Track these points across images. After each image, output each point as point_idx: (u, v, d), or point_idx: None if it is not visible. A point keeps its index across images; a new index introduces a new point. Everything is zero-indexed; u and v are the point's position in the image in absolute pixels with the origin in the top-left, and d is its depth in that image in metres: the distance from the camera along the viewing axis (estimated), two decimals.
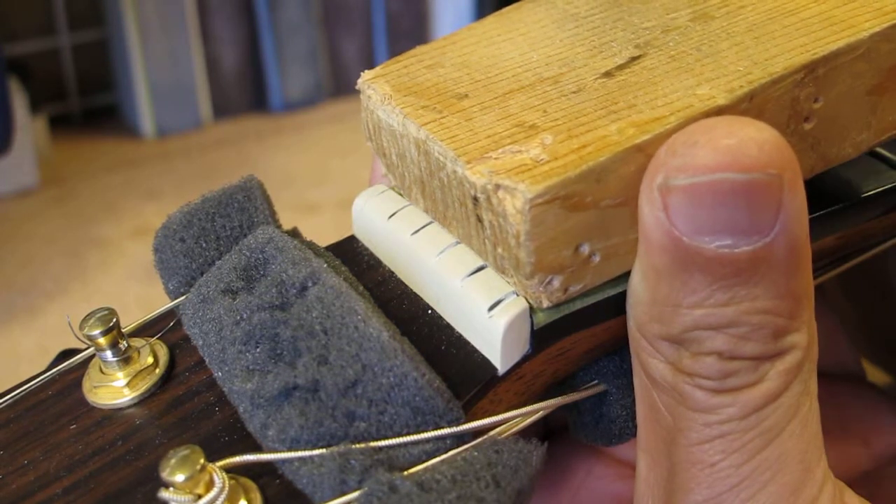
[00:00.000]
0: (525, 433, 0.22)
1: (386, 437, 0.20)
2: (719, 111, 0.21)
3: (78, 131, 0.88)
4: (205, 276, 0.24)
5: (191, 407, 0.22)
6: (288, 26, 0.89)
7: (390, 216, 0.25)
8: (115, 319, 0.23)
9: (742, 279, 0.20)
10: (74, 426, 0.22)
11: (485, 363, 0.22)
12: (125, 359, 0.23)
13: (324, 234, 0.28)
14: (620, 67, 0.23)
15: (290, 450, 0.20)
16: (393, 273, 0.25)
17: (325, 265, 0.23)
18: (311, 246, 0.25)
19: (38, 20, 0.85)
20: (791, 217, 0.19)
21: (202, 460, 0.19)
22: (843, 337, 0.34)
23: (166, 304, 0.25)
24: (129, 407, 0.23)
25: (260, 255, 0.24)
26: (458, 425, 0.21)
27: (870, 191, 0.26)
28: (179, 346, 0.24)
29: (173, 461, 0.19)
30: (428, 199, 0.24)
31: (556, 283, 0.21)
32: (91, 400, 0.23)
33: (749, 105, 0.22)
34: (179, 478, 0.19)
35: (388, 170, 0.25)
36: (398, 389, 0.20)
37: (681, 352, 0.21)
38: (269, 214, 0.26)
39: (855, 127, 0.24)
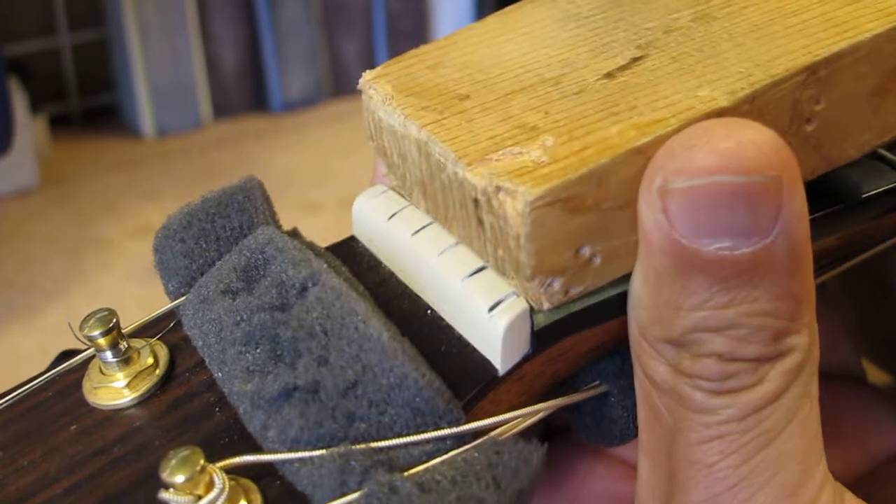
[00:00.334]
0: (526, 434, 0.22)
1: (386, 438, 0.20)
2: (721, 113, 0.21)
3: (78, 131, 0.88)
4: (205, 276, 0.24)
5: (191, 408, 0.22)
6: (288, 26, 0.89)
7: (390, 217, 0.25)
8: (115, 320, 0.23)
9: (742, 281, 0.20)
10: (75, 427, 0.22)
11: (485, 364, 0.22)
12: (125, 359, 0.23)
13: (324, 234, 0.28)
14: (622, 68, 0.23)
15: (290, 451, 0.20)
16: (393, 274, 0.25)
17: (326, 266, 0.23)
18: (311, 246, 0.25)
19: (38, 20, 0.85)
20: (791, 219, 0.19)
21: (202, 461, 0.19)
22: (843, 337, 0.34)
23: (166, 305, 0.25)
24: (129, 408, 0.23)
25: (260, 256, 0.24)
26: (458, 426, 0.21)
27: (870, 191, 0.26)
28: (179, 346, 0.24)
29: (173, 462, 0.19)
30: (429, 201, 0.24)
31: (557, 285, 0.21)
32: (91, 401, 0.23)
33: (750, 107, 0.22)
34: (180, 479, 0.19)
35: (389, 170, 0.25)
36: (398, 390, 0.20)
37: (681, 354, 0.21)
38: (269, 215, 0.26)
39: (857, 128, 0.24)
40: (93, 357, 0.23)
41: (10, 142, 0.66)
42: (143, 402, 0.23)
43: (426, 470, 0.20)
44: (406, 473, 0.20)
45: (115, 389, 0.23)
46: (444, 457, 0.20)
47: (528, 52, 0.24)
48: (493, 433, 0.21)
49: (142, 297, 0.64)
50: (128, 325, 0.24)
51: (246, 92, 0.92)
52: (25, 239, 0.73)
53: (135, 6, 0.83)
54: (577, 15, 0.25)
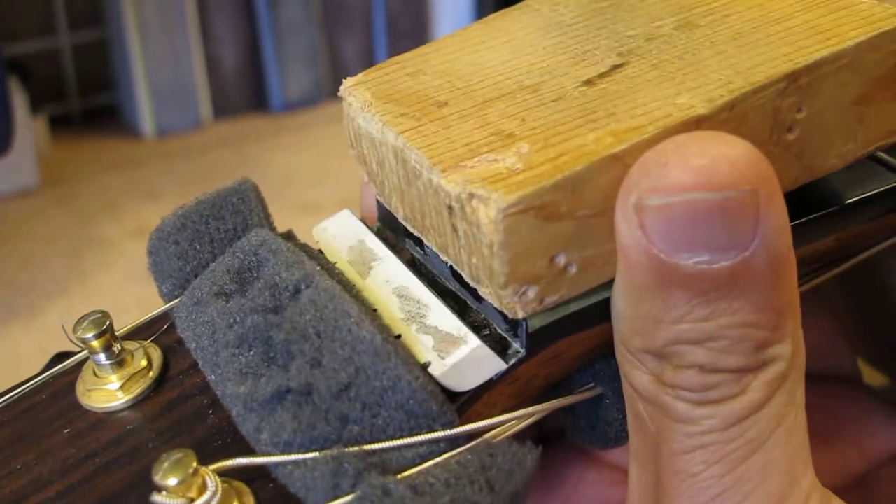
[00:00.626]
0: (520, 436, 0.22)
1: (379, 441, 0.20)
2: (699, 121, 0.21)
3: (78, 131, 0.88)
4: (198, 278, 0.24)
5: (184, 410, 0.22)
6: (288, 26, 0.89)
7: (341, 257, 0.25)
8: (108, 322, 0.23)
9: (722, 294, 0.20)
10: (68, 430, 0.22)
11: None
12: (119, 362, 0.23)
13: None
14: (602, 76, 0.23)
15: (283, 453, 0.20)
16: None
17: (319, 268, 0.23)
18: (305, 248, 0.25)
19: (38, 20, 0.85)
20: (770, 231, 0.19)
21: (195, 464, 0.19)
22: (839, 339, 0.34)
23: (162, 307, 0.25)
24: (122, 410, 0.23)
25: (253, 258, 0.24)
26: (451, 428, 0.21)
27: (867, 192, 0.26)
28: (173, 349, 0.24)
29: (166, 465, 0.19)
30: (407, 208, 0.24)
31: (531, 293, 0.21)
32: (85, 403, 0.23)
33: (729, 114, 0.22)
34: (172, 481, 0.19)
35: (369, 177, 0.25)
36: (391, 392, 0.20)
37: (663, 364, 0.21)
38: (263, 217, 0.26)
39: (840, 137, 0.24)
40: (86, 359, 0.23)
41: (10, 142, 0.66)
42: (136, 404, 0.23)
43: (419, 472, 0.20)
44: (399, 476, 0.20)
45: (108, 392, 0.23)
46: (438, 459, 0.20)
47: (508, 59, 0.24)
48: (486, 436, 0.21)
49: (141, 297, 0.64)
50: (125, 326, 0.24)
51: (246, 92, 0.92)
52: (25, 239, 0.73)
53: (135, 6, 0.83)
54: (559, 23, 0.25)
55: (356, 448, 0.20)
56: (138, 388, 0.23)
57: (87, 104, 0.90)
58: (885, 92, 0.24)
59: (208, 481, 0.19)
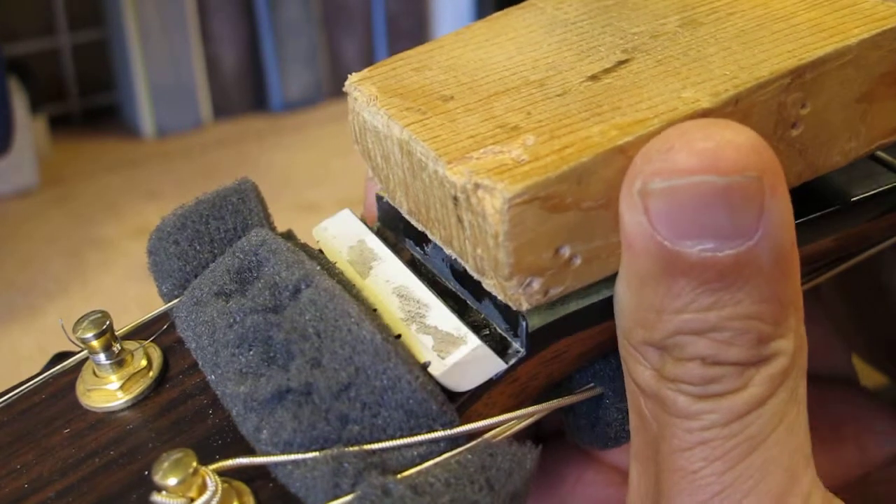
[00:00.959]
0: (520, 436, 0.22)
1: (379, 440, 0.20)
2: (704, 114, 0.21)
3: (78, 131, 0.88)
4: (198, 278, 0.24)
5: (184, 410, 0.22)
6: (288, 26, 0.89)
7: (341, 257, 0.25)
8: (108, 322, 0.23)
9: (726, 284, 0.19)
10: (68, 430, 0.22)
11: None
12: (119, 362, 0.23)
13: None
14: (607, 71, 0.23)
15: (283, 453, 0.20)
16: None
17: (319, 267, 0.23)
18: (304, 248, 0.25)
19: (38, 20, 0.85)
20: (774, 221, 0.19)
21: (195, 464, 0.19)
22: (835, 340, 0.34)
23: (162, 307, 0.25)
24: (122, 410, 0.23)
25: (253, 258, 0.24)
26: (451, 428, 0.21)
27: (867, 192, 0.26)
28: (173, 348, 0.24)
29: (166, 465, 0.19)
30: (411, 201, 0.24)
31: (536, 285, 0.21)
32: (85, 403, 0.23)
33: (734, 109, 0.22)
34: (172, 481, 0.19)
35: (373, 172, 0.25)
36: (391, 392, 0.20)
37: (665, 357, 0.20)
38: (263, 217, 0.26)
39: (844, 134, 0.24)
40: (86, 359, 0.23)
41: (10, 142, 0.66)
42: (136, 404, 0.23)
43: (419, 472, 0.20)
44: (399, 476, 0.20)
45: (108, 392, 0.23)
46: (438, 459, 0.20)
47: (513, 55, 0.24)
48: (486, 435, 0.21)
49: (142, 297, 0.64)
50: (125, 326, 0.24)
51: (246, 92, 0.92)
52: (25, 239, 0.73)
53: (135, 6, 0.83)
54: (564, 21, 0.25)
55: (356, 448, 0.20)
56: (138, 388, 0.23)
57: (87, 104, 0.90)
58: (888, 89, 0.24)
59: (208, 481, 0.19)
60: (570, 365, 0.24)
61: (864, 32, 0.23)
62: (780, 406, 0.20)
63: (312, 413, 0.20)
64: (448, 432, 0.21)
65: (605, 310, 0.23)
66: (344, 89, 0.25)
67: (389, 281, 0.24)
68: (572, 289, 0.22)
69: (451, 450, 0.21)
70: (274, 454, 0.20)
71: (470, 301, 0.24)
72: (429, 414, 0.20)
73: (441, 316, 0.23)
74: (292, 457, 0.20)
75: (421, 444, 0.20)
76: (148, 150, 0.86)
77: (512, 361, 0.22)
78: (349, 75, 0.25)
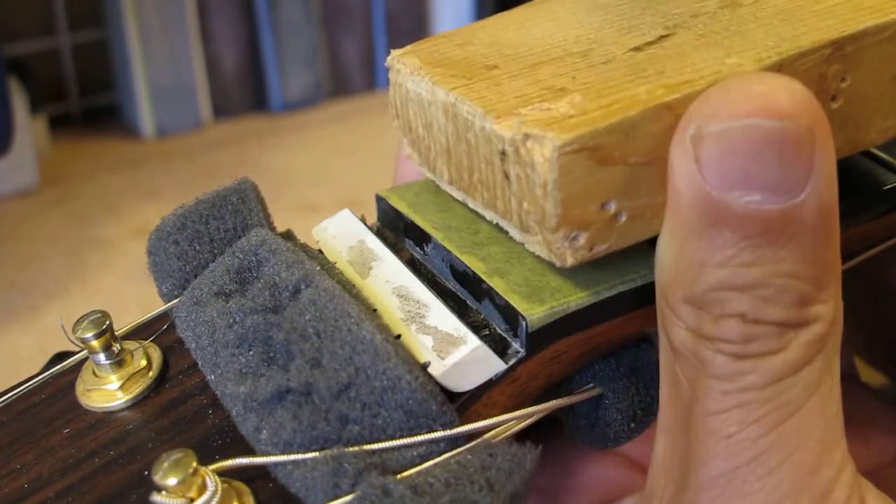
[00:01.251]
0: (520, 436, 0.22)
1: (379, 441, 0.20)
2: None
3: (78, 131, 0.88)
4: (198, 278, 0.24)
5: (184, 410, 0.22)
6: (288, 26, 0.89)
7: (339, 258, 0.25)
8: (107, 322, 0.23)
9: (770, 239, 0.19)
10: (68, 430, 0.22)
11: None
12: (118, 362, 0.23)
13: None
14: (649, 44, 0.23)
15: (283, 453, 0.20)
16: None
17: (319, 268, 0.23)
18: (304, 248, 0.25)
19: (38, 20, 0.85)
20: (822, 180, 0.19)
21: (195, 464, 0.19)
22: None
23: (162, 307, 0.25)
24: (122, 410, 0.23)
25: (253, 258, 0.24)
26: (451, 428, 0.21)
27: (866, 193, 0.26)
28: (173, 348, 0.24)
29: (166, 465, 0.19)
30: (453, 168, 0.24)
31: (582, 239, 0.21)
32: (84, 403, 0.23)
33: None
34: (172, 481, 0.19)
35: (412, 147, 0.25)
36: (391, 392, 0.20)
37: (702, 316, 0.20)
38: (262, 217, 0.25)
39: (882, 111, 0.24)
40: (86, 359, 0.23)
41: (9, 142, 0.65)
42: (136, 404, 0.23)
43: (419, 472, 0.20)
44: (399, 476, 0.20)
45: (108, 392, 0.23)
46: (438, 459, 0.20)
47: (555, 32, 0.25)
48: (486, 436, 0.21)
49: (142, 297, 0.64)
50: (125, 326, 0.24)
51: (246, 92, 0.92)
52: (25, 239, 0.73)
53: (135, 6, 0.83)
54: (605, 4, 0.26)
55: (356, 448, 0.20)
56: (138, 388, 0.23)
57: (87, 104, 0.90)
58: None
59: (208, 481, 0.19)
60: (569, 365, 0.24)
61: None
62: (816, 375, 0.20)
63: (312, 413, 0.20)
64: (448, 432, 0.21)
65: (606, 310, 0.23)
66: (386, 64, 0.25)
67: (389, 281, 0.24)
68: (616, 247, 0.22)
69: (451, 450, 0.21)
70: (274, 454, 0.20)
71: (470, 301, 0.24)
72: (429, 414, 0.20)
73: (441, 316, 0.23)
74: (292, 457, 0.20)
75: (421, 444, 0.20)
76: (148, 150, 0.86)
77: (512, 362, 0.22)
78: (391, 51, 0.25)
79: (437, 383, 0.21)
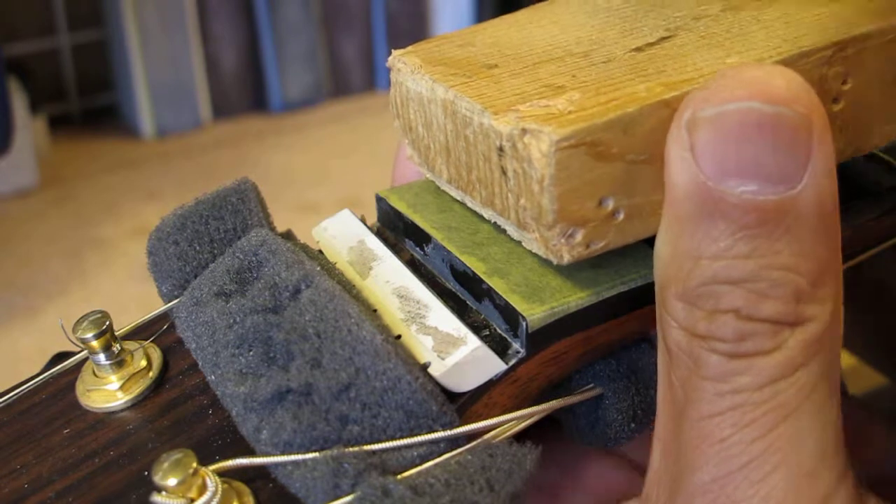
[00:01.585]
0: (520, 436, 0.22)
1: (379, 441, 0.20)
2: None
3: (78, 131, 0.88)
4: (198, 278, 0.24)
5: (184, 410, 0.22)
6: (288, 26, 0.89)
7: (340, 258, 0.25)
8: (107, 322, 0.23)
9: (766, 230, 0.19)
10: (67, 430, 0.22)
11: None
12: (118, 362, 0.23)
13: None
14: (650, 45, 0.23)
15: (283, 453, 0.20)
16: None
17: (319, 268, 0.23)
18: (304, 248, 0.25)
19: (38, 20, 0.85)
20: (820, 170, 0.19)
21: (195, 464, 0.19)
22: None
23: (162, 307, 0.25)
24: (122, 410, 0.23)
25: (253, 258, 0.24)
26: (451, 429, 0.21)
27: (866, 193, 0.26)
28: (173, 349, 0.24)
29: (166, 465, 0.19)
30: (452, 166, 0.24)
31: (579, 236, 0.21)
32: (84, 403, 0.23)
33: None
34: (172, 482, 0.19)
35: (412, 147, 0.25)
36: (391, 393, 0.20)
37: (696, 313, 0.20)
38: (262, 217, 0.25)
39: (883, 115, 0.24)
40: (86, 359, 0.23)
41: (9, 142, 0.66)
42: (136, 404, 0.23)
43: (419, 473, 0.20)
44: (399, 476, 0.20)
45: (108, 392, 0.23)
46: (438, 459, 0.20)
47: (556, 34, 0.25)
48: (486, 436, 0.21)
49: (141, 297, 0.64)
50: (124, 326, 0.24)
51: (245, 92, 0.92)
52: (25, 239, 0.73)
53: (135, 6, 0.83)
54: (607, 8, 0.26)
55: (356, 448, 0.20)
56: (138, 389, 0.23)
57: (86, 104, 0.90)
58: None
59: (208, 481, 0.19)
60: (569, 365, 0.24)
61: None
62: (813, 377, 0.20)
63: (312, 413, 0.20)
64: (448, 433, 0.21)
65: (606, 310, 0.23)
66: (387, 64, 0.25)
67: (389, 281, 0.24)
68: (614, 245, 0.22)
69: (451, 450, 0.21)
70: (274, 455, 0.20)
71: (470, 301, 0.24)
72: (429, 414, 0.20)
73: (441, 316, 0.23)
74: (292, 457, 0.20)
75: (421, 444, 0.20)
76: (147, 150, 0.86)
77: (512, 362, 0.22)
78: (392, 51, 0.25)
79: (437, 384, 0.21)
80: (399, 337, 0.22)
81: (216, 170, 0.82)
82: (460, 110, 0.22)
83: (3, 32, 0.83)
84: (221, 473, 0.20)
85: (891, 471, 0.31)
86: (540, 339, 0.22)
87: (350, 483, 0.19)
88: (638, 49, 0.23)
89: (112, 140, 0.87)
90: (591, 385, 0.25)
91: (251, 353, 0.22)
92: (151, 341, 0.24)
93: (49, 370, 0.24)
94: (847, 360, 0.38)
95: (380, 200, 0.27)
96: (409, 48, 0.25)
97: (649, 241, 0.22)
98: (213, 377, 0.22)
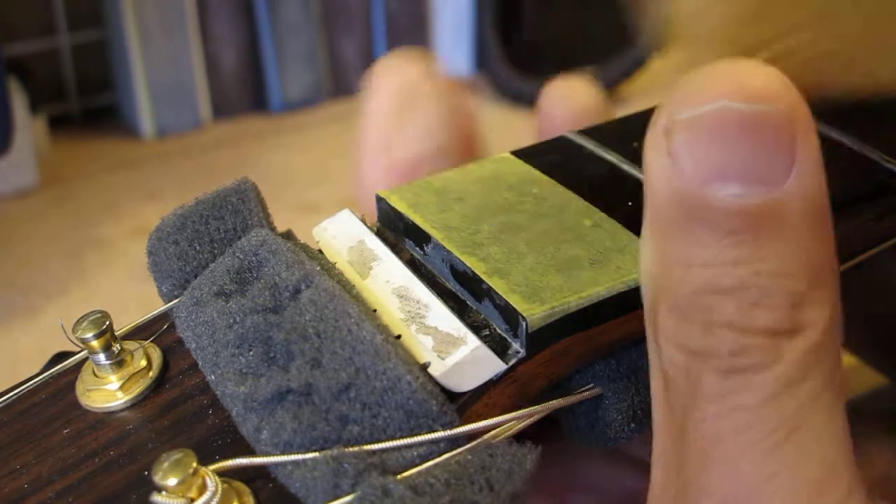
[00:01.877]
0: (520, 436, 0.22)
1: (379, 441, 0.20)
2: None
3: (78, 131, 0.88)
4: (198, 278, 0.24)
5: (184, 410, 0.22)
6: (287, 26, 0.89)
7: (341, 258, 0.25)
8: (107, 322, 0.23)
9: (753, 235, 0.18)
10: (67, 430, 0.22)
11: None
12: (118, 362, 0.23)
13: None
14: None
15: (283, 453, 0.20)
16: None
17: (319, 268, 0.23)
18: (304, 248, 0.25)
19: (38, 20, 0.85)
20: (806, 170, 0.18)
21: (195, 464, 0.19)
22: None
23: (162, 307, 0.25)
24: (122, 410, 0.23)
25: (253, 258, 0.24)
26: (451, 429, 0.21)
27: (866, 193, 0.26)
28: (173, 349, 0.24)
29: (166, 465, 0.19)
30: None
31: None
32: (84, 403, 0.23)
33: None
34: (172, 481, 0.19)
35: None
36: (392, 393, 0.20)
37: (689, 329, 0.19)
38: (262, 217, 0.25)
39: None
40: (86, 359, 0.23)
41: (9, 142, 0.66)
42: (136, 404, 0.23)
43: (419, 473, 0.20)
44: (399, 476, 0.20)
45: (108, 392, 0.23)
46: (438, 459, 0.20)
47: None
48: (487, 436, 0.21)
49: (141, 297, 0.64)
50: (124, 326, 0.24)
51: (245, 92, 0.92)
52: (25, 239, 0.73)
53: (135, 6, 0.83)
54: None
55: (356, 448, 0.20)
56: (138, 388, 0.23)
57: (86, 104, 0.90)
58: None
59: (208, 481, 0.19)
60: (570, 365, 0.24)
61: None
62: (816, 389, 0.19)
63: (312, 413, 0.20)
64: (448, 433, 0.21)
65: (606, 310, 0.23)
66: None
67: (389, 281, 0.24)
68: None
69: (451, 450, 0.21)
70: (274, 454, 0.20)
71: (470, 301, 0.24)
72: (429, 414, 0.20)
73: (441, 316, 0.23)
74: (292, 457, 0.20)
75: (421, 444, 0.20)
76: (147, 150, 0.86)
77: (512, 362, 0.22)
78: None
79: (437, 383, 0.21)
80: (399, 337, 0.22)
81: (216, 170, 0.82)
82: None
83: (3, 32, 0.83)
84: (221, 473, 0.20)
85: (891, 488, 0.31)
86: (540, 339, 0.22)
87: (350, 483, 0.19)
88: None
89: (112, 140, 0.87)
90: (591, 385, 0.25)
91: (251, 352, 0.22)
92: (151, 341, 0.24)
93: (49, 370, 0.24)
94: (847, 360, 0.38)
95: (380, 200, 0.27)
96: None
97: None
98: (213, 377, 0.22)
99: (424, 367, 0.21)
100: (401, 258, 0.25)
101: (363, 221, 0.26)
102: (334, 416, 0.20)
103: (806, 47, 0.23)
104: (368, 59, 0.95)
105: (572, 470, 0.30)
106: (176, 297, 0.25)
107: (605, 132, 0.29)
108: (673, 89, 0.19)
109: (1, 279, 0.68)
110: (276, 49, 0.89)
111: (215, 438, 0.21)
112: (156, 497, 0.19)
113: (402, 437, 0.20)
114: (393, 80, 0.31)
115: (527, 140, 0.29)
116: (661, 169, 0.19)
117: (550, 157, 0.28)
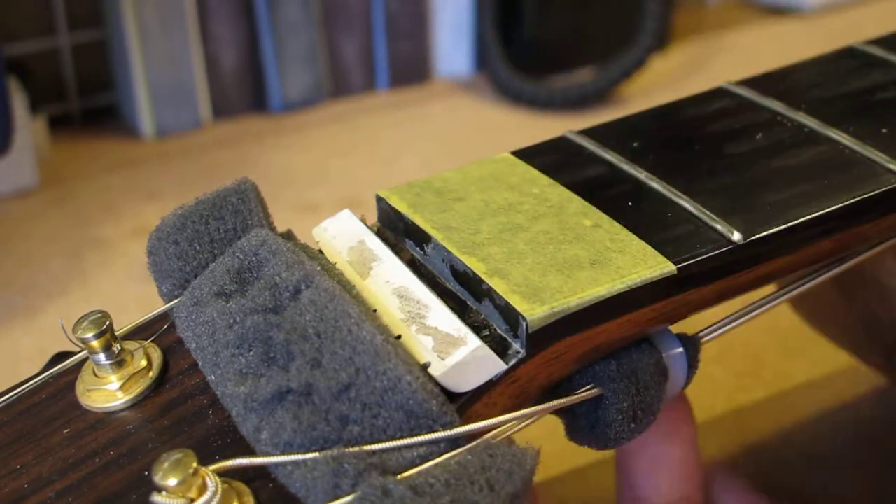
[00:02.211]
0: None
1: (379, 441, 0.20)
2: None
3: (78, 131, 0.88)
4: (198, 278, 0.24)
5: (184, 410, 0.22)
6: (288, 26, 0.89)
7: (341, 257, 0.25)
8: (108, 322, 0.23)
9: None
10: (68, 430, 0.22)
11: None
12: (118, 362, 0.23)
13: None
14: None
15: (283, 454, 0.20)
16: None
17: (319, 268, 0.23)
18: (305, 248, 0.25)
19: (38, 20, 0.85)
20: None
21: (195, 464, 0.19)
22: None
23: (162, 307, 0.25)
24: (122, 410, 0.23)
25: (253, 258, 0.24)
26: (451, 429, 0.21)
27: (867, 193, 0.26)
28: (173, 349, 0.24)
29: (166, 465, 0.19)
30: None
31: None
32: (84, 403, 0.23)
33: None
34: (172, 482, 0.19)
35: None
36: (392, 393, 0.20)
37: None
38: (263, 217, 0.26)
39: None
40: (86, 359, 0.23)
41: (9, 142, 0.65)
42: (136, 404, 0.23)
43: (419, 473, 0.20)
44: (399, 476, 0.20)
45: (108, 392, 0.23)
46: (438, 460, 0.20)
47: None
48: (486, 436, 0.21)
49: (141, 297, 0.64)
50: (124, 326, 0.24)
51: (245, 92, 0.92)
52: (25, 239, 0.73)
53: (135, 6, 0.83)
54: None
55: (356, 448, 0.20)
56: (138, 388, 0.23)
57: (86, 104, 0.90)
58: None
59: (208, 481, 0.19)
60: (570, 366, 0.24)
61: None
62: None
63: (312, 414, 0.20)
64: (448, 433, 0.21)
65: (606, 310, 0.23)
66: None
67: (389, 281, 0.24)
68: None
69: (452, 450, 0.21)
70: (274, 455, 0.20)
71: (470, 301, 0.24)
72: (429, 415, 0.21)
73: (441, 316, 0.23)
74: (292, 457, 0.20)
75: (421, 444, 0.20)
76: (147, 150, 0.86)
77: (512, 362, 0.22)
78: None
79: (437, 384, 0.21)
80: (399, 337, 0.22)
81: (216, 170, 0.82)
82: None
83: (3, 32, 0.83)
84: (221, 473, 0.20)
85: None
86: (540, 339, 0.22)
87: (350, 483, 0.19)
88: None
89: (112, 140, 0.87)
90: (591, 385, 0.25)
91: (251, 353, 0.22)
92: (151, 341, 0.24)
93: (49, 370, 0.24)
94: (847, 360, 0.38)
95: (380, 200, 0.27)
96: None
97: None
98: (213, 377, 0.22)
99: (424, 368, 0.21)
100: (401, 258, 0.25)
101: (363, 222, 0.26)
102: (334, 416, 0.20)
103: None
104: (368, 59, 0.95)
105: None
106: (176, 298, 0.25)
107: (605, 132, 0.29)
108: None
109: (1, 279, 0.68)
110: (275, 49, 0.89)
111: (215, 438, 0.21)
112: (156, 497, 0.19)
113: (402, 437, 0.20)
114: None
115: (527, 140, 0.29)
116: None
117: (550, 157, 0.28)
